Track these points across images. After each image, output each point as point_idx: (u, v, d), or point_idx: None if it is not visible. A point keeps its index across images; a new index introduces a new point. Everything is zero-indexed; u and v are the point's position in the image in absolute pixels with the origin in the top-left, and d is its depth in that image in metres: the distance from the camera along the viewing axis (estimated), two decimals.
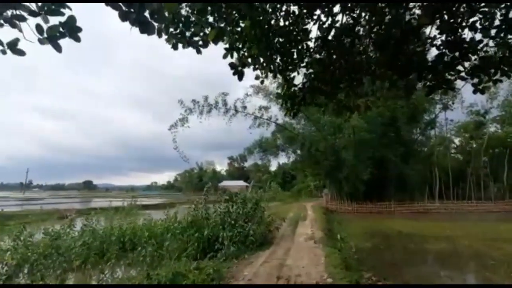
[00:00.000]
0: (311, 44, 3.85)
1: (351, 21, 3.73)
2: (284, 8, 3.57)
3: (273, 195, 33.45)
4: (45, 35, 2.05)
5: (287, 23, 3.65)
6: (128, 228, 10.51)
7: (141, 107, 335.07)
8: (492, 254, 10.22)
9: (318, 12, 3.63)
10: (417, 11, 3.46)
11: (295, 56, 3.86)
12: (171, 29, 3.21)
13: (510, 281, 7.74)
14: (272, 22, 3.62)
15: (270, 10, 3.54)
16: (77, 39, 2.13)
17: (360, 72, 3.82)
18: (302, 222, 15.60)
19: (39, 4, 1.99)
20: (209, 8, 3.17)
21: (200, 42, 3.33)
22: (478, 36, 3.00)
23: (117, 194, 63.54)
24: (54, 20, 2.05)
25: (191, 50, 3.34)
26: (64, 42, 2.15)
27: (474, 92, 3.14)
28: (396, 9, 3.42)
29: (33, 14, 1.99)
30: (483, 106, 31.08)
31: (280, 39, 3.69)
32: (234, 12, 3.29)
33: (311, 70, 4.00)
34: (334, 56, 3.86)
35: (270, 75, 3.97)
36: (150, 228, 10.35)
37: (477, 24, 2.96)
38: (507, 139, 30.84)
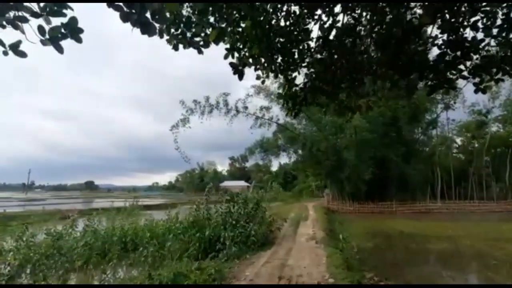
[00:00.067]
0: (312, 44, 3.85)
1: (352, 21, 3.73)
2: (285, 8, 3.57)
3: (274, 195, 33.35)
4: (47, 36, 2.06)
5: (288, 23, 3.65)
6: (129, 228, 10.53)
7: (142, 108, 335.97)
8: (494, 254, 10.19)
9: (319, 12, 3.63)
10: (418, 11, 3.46)
11: (296, 56, 3.86)
12: (172, 30, 3.22)
13: None
14: (273, 22, 3.62)
15: (271, 10, 3.55)
16: (79, 40, 2.14)
17: (361, 72, 3.82)
18: (303, 222, 15.58)
19: (41, 5, 2.00)
20: (210, 8, 3.17)
21: (201, 43, 3.33)
22: (480, 36, 2.99)
23: (119, 195, 63.65)
24: (55, 22, 2.06)
25: (192, 51, 3.35)
26: (65, 43, 2.16)
27: (476, 91, 3.13)
28: (397, 9, 3.42)
29: (35, 15, 2.00)
30: (485, 105, 31.06)
31: (281, 39, 3.69)
32: (235, 12, 3.29)
33: (312, 70, 4.00)
34: (335, 56, 3.86)
35: (271, 75, 3.98)
36: (152, 229, 10.37)
37: (479, 24, 2.95)
38: (509, 139, 30.76)
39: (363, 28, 3.79)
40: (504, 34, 2.94)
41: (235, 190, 15.41)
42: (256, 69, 3.80)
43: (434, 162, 30.36)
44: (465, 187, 31.66)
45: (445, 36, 3.11)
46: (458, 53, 3.04)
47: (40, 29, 2.03)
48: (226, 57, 3.52)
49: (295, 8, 3.60)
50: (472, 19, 2.98)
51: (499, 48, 3.11)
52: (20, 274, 7.37)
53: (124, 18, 2.14)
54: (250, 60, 3.62)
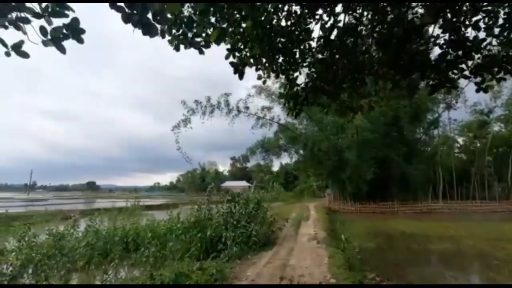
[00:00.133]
0: (313, 44, 3.85)
1: (354, 21, 3.72)
2: (286, 8, 3.57)
3: (276, 195, 33.34)
4: (49, 37, 2.07)
5: (289, 23, 3.66)
6: (131, 228, 10.55)
7: (143, 108, 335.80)
8: (496, 254, 10.15)
9: (320, 11, 3.63)
10: (420, 10, 3.45)
11: (297, 56, 3.86)
12: (174, 31, 3.22)
13: None
14: (274, 22, 3.63)
15: (272, 10, 3.55)
16: (81, 41, 2.15)
17: (362, 72, 3.81)
18: (305, 222, 15.57)
19: (43, 6, 2.00)
20: (211, 8, 3.18)
21: (202, 43, 3.34)
22: (482, 35, 2.99)
23: (120, 195, 63.82)
24: (57, 22, 2.07)
25: (192, 51, 3.35)
26: (66, 44, 2.16)
27: (477, 90, 3.13)
28: (399, 8, 3.41)
29: (37, 16, 2.00)
30: (487, 105, 30.87)
31: (282, 39, 3.69)
32: (236, 12, 3.30)
33: (313, 70, 4.00)
34: (337, 56, 3.85)
35: (272, 75, 3.97)
36: (153, 229, 10.39)
37: (481, 23, 2.94)
38: None
39: (364, 28, 3.79)
40: (505, 34, 2.94)
41: (236, 190, 15.41)
42: (257, 69, 3.80)
43: (436, 162, 30.26)
44: (467, 187, 31.51)
45: (446, 36, 3.11)
46: (460, 52, 3.03)
47: (42, 30, 2.04)
48: (227, 57, 3.52)
49: (296, 8, 3.60)
50: (474, 19, 2.97)
51: (500, 47, 3.10)
52: (22, 274, 7.39)
53: (126, 19, 2.14)
54: (251, 60, 3.63)
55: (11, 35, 2.05)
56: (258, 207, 10.81)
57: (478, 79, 3.09)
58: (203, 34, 3.31)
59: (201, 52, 3.34)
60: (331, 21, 3.66)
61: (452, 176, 30.03)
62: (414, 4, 3.45)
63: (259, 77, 3.91)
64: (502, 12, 2.97)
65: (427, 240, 12.79)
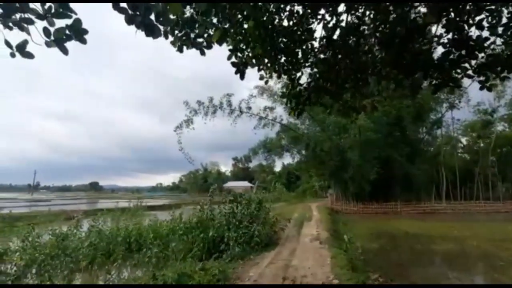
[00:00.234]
0: (316, 43, 3.84)
1: (356, 20, 3.71)
2: (288, 8, 3.57)
3: (278, 195, 33.38)
4: (52, 38, 2.08)
5: (291, 23, 3.65)
6: (134, 229, 10.58)
7: (145, 108, 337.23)
8: (500, 255, 10.08)
9: (322, 11, 3.62)
10: (423, 9, 3.43)
11: (299, 56, 3.85)
12: (176, 31, 3.23)
13: None
14: (276, 22, 3.62)
15: (274, 10, 3.54)
16: (83, 42, 2.16)
17: (365, 72, 3.80)
18: (307, 223, 15.54)
19: (45, 7, 2.02)
20: (213, 9, 3.18)
21: (204, 44, 3.34)
22: (485, 34, 2.97)
23: (123, 195, 64.01)
24: (59, 23, 2.08)
25: (193, 52, 3.35)
26: (68, 45, 2.17)
27: (481, 88, 3.11)
28: (401, 8, 3.40)
29: (40, 17, 2.02)
30: (491, 104, 30.66)
31: (284, 39, 3.69)
32: (238, 12, 3.30)
33: (316, 70, 3.99)
34: (339, 56, 3.84)
35: (275, 75, 3.97)
36: (156, 229, 10.42)
37: (484, 22, 2.92)
38: None
39: (367, 28, 3.77)
40: (509, 33, 2.91)
41: (238, 191, 15.44)
42: (259, 70, 3.80)
43: (439, 162, 30.10)
44: (471, 187, 31.35)
45: (450, 35, 3.09)
46: (463, 51, 3.01)
47: (45, 31, 2.05)
48: (229, 58, 3.53)
49: (298, 8, 3.60)
50: (477, 18, 2.95)
51: (504, 46, 3.08)
52: (26, 274, 7.44)
53: (129, 20, 2.15)
54: (254, 60, 3.63)
55: (12, 37, 2.07)
56: (260, 208, 10.81)
57: (482, 78, 3.08)
58: (205, 35, 3.31)
59: (203, 53, 3.34)
60: (333, 21, 3.65)
61: (455, 176, 29.87)
62: (417, 3, 3.43)
63: (261, 77, 3.91)
64: (505, 11, 2.95)
65: (430, 241, 12.73)
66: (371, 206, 25.76)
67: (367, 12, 3.70)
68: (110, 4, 2.10)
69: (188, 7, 3.19)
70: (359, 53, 3.80)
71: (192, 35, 3.28)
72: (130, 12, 2.12)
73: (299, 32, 3.70)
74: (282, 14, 3.62)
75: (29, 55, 2.11)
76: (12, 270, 7.26)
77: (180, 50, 3.32)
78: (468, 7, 3.01)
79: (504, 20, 2.92)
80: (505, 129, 33.00)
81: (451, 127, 32.98)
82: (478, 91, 3.24)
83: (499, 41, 3.04)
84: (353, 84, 3.96)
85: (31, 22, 2.02)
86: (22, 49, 2.07)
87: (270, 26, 3.49)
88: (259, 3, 3.27)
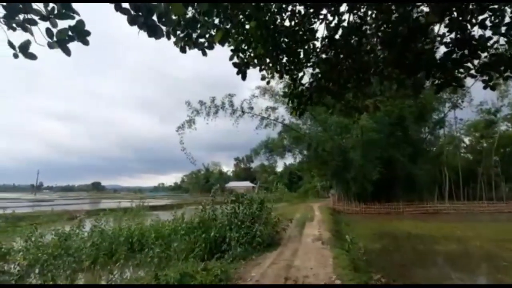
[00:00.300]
0: (318, 43, 3.84)
1: (358, 20, 3.70)
2: (290, 8, 3.57)
3: (280, 196, 33.33)
4: (54, 39, 2.09)
5: (293, 23, 3.65)
6: (136, 229, 10.60)
7: (146, 108, 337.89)
8: (503, 255, 10.02)
9: (324, 11, 3.61)
10: (425, 9, 3.42)
11: (301, 56, 3.84)
12: (178, 32, 3.23)
13: None
14: (278, 22, 3.62)
15: (276, 10, 3.54)
16: (86, 43, 2.16)
17: (367, 72, 3.79)
18: (309, 223, 15.52)
19: (49, 8, 2.03)
20: (215, 9, 3.18)
21: (206, 44, 3.34)
22: (488, 33, 2.95)
23: (125, 195, 64.23)
24: (62, 24, 2.09)
25: (195, 52, 3.35)
26: (70, 45, 2.18)
27: (485, 87, 3.09)
28: (403, 7, 3.39)
29: (43, 18, 2.03)
30: (494, 104, 30.52)
31: (286, 39, 3.68)
32: (239, 13, 3.30)
33: (318, 70, 3.98)
34: (341, 56, 3.83)
35: (277, 75, 3.97)
36: (158, 229, 10.42)
37: (487, 21, 2.91)
38: None
39: (369, 27, 3.76)
40: None
41: (240, 191, 15.44)
42: (261, 70, 3.80)
43: (442, 162, 29.99)
44: (474, 187, 31.18)
45: (452, 34, 3.08)
46: (466, 51, 3.00)
47: (48, 31, 2.06)
48: (231, 58, 3.53)
49: (300, 8, 3.59)
50: (480, 17, 2.94)
51: (507, 46, 3.06)
52: (29, 274, 7.47)
53: (132, 21, 2.16)
54: (256, 60, 3.63)
55: (15, 38, 2.08)
56: (262, 208, 10.80)
57: (485, 78, 3.06)
58: (207, 35, 3.32)
59: (205, 54, 3.35)
60: (335, 21, 3.64)
61: (458, 176, 29.73)
62: (419, 3, 3.42)
63: (263, 78, 3.90)
64: (508, 10, 2.93)
65: (433, 241, 12.68)
66: (373, 207, 25.69)
67: (369, 12, 3.69)
68: (112, 5, 2.11)
69: (190, 7, 3.20)
70: (361, 53, 3.79)
71: (194, 36, 3.29)
72: (132, 12, 2.13)
73: (301, 32, 3.69)
74: (284, 14, 3.62)
75: (32, 56, 2.12)
76: (15, 270, 7.29)
77: (183, 50, 3.32)
78: (471, 6, 2.99)
79: (507, 20, 2.90)
80: (509, 129, 32.88)
81: (454, 127, 32.93)
82: (481, 91, 3.23)
83: (502, 40, 3.02)
84: (355, 84, 3.95)
85: (34, 23, 2.03)
86: (25, 50, 2.08)
87: (272, 26, 3.49)
88: (261, 3, 3.27)
